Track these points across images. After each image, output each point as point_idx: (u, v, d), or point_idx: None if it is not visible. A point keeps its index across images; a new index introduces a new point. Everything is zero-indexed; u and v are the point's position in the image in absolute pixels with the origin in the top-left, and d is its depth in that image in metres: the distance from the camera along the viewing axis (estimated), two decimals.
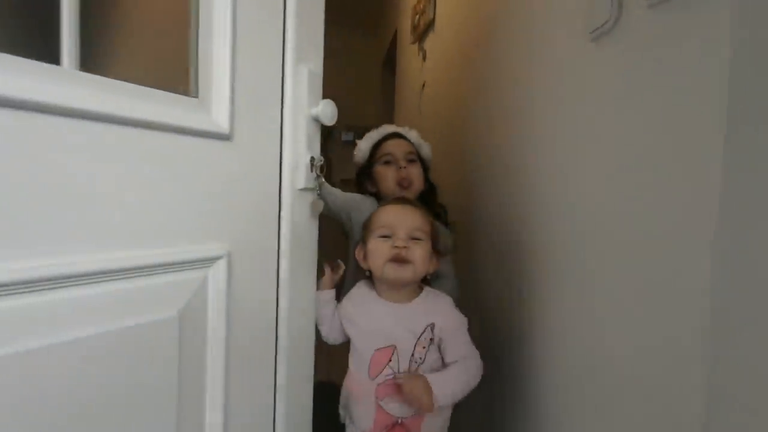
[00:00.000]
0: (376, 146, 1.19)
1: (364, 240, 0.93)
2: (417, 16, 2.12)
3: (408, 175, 1.12)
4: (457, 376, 0.85)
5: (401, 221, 0.87)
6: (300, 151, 0.80)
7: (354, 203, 1.15)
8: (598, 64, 0.70)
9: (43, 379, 0.48)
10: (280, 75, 0.78)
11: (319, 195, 0.84)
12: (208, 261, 0.66)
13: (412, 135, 1.22)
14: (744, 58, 0.48)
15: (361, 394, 0.88)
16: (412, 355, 0.86)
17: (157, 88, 0.60)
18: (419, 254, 0.86)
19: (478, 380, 0.88)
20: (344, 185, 1.27)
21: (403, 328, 0.87)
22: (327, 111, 0.81)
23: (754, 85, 0.48)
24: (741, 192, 0.49)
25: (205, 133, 0.65)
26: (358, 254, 0.93)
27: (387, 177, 1.13)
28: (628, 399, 0.65)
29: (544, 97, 0.92)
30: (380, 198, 1.16)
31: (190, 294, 0.64)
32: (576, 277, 0.81)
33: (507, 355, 1.07)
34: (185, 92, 0.65)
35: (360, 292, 0.94)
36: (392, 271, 0.86)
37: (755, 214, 0.48)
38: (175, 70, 0.69)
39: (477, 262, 1.31)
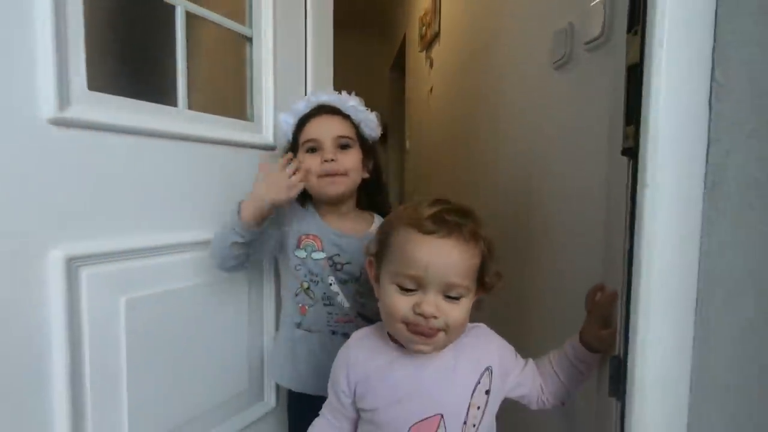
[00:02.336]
0: (302, 122, 0.87)
1: (378, 252, 0.61)
2: (424, 28, 2.37)
3: (337, 166, 0.83)
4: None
5: (437, 265, 0.55)
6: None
7: (275, 232, 0.85)
8: (557, 83, 0.98)
9: (174, 307, 0.77)
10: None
11: None
12: None
13: (349, 102, 0.89)
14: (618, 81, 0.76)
15: None
16: (465, 422, 0.60)
17: (229, 117, 0.89)
18: (456, 318, 0.56)
19: None
20: None
21: (452, 385, 0.61)
22: None
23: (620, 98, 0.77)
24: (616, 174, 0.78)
25: (259, 146, 0.94)
26: (370, 272, 0.64)
27: (310, 169, 0.83)
28: None
29: (521, 104, 1.19)
30: (301, 200, 0.87)
31: None
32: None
33: None
34: (245, 118, 0.94)
35: (371, 346, 0.64)
36: (407, 341, 0.58)
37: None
38: (239, 103, 0.97)
39: None
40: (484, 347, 0.63)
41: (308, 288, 0.84)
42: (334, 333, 0.84)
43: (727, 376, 0.47)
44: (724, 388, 0.47)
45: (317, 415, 0.68)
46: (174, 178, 0.78)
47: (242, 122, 0.93)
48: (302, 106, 0.88)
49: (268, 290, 0.97)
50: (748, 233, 0.45)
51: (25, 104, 0.58)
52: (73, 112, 0.62)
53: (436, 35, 2.13)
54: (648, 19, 0.43)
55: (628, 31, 0.49)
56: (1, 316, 0.57)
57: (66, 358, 0.62)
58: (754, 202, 0.44)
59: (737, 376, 0.46)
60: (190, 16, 0.82)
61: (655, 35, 0.43)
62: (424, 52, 2.41)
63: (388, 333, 0.62)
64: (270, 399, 1.00)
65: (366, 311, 0.86)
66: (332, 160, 0.83)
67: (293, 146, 0.88)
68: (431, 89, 2.27)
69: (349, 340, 0.66)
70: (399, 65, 3.57)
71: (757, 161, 0.44)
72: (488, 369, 0.61)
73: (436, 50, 2.18)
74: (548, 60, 0.96)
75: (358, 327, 0.71)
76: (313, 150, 0.85)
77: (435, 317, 0.54)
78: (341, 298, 0.85)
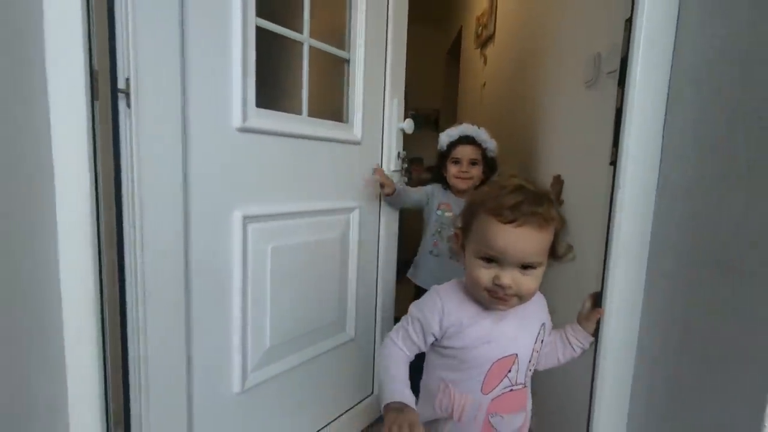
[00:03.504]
0: (453, 145, 1.51)
1: (464, 228, 0.74)
2: (480, 28, 2.59)
3: (468, 175, 1.48)
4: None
5: (514, 250, 0.65)
6: (392, 148, 1.39)
7: (425, 195, 1.53)
8: (587, 100, 1.21)
9: (300, 255, 1.12)
10: (382, 105, 1.36)
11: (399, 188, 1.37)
12: (351, 209, 1.28)
13: (481, 135, 1.51)
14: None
15: (466, 412, 0.74)
16: (529, 361, 0.76)
17: (333, 120, 1.21)
18: (529, 286, 0.68)
19: None
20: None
21: (524, 332, 0.75)
22: (408, 125, 1.40)
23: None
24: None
25: (351, 142, 1.25)
26: (456, 243, 0.76)
27: (452, 173, 1.49)
28: None
29: (558, 113, 1.43)
30: (446, 183, 1.53)
31: (344, 225, 1.26)
32: None
33: None
34: (342, 120, 1.26)
35: (459, 298, 0.75)
36: (488, 302, 0.71)
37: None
38: (338, 108, 1.29)
39: None
40: (542, 309, 0.79)
41: (440, 231, 1.49)
42: (450, 258, 1.46)
43: (665, 313, 0.74)
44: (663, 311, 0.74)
45: None
46: (302, 165, 1.12)
47: (340, 124, 1.25)
48: (454, 133, 1.53)
49: (353, 257, 1.31)
50: (681, 215, 0.70)
51: (225, 118, 0.93)
52: (249, 123, 0.96)
53: (491, 36, 2.33)
54: (625, 87, 0.69)
55: (618, 85, 0.74)
56: (210, 249, 0.93)
57: (240, 277, 0.98)
58: (684, 198, 0.70)
59: (672, 311, 0.73)
60: (311, 49, 1.14)
61: (628, 99, 0.69)
62: (479, 49, 2.62)
63: (465, 287, 0.76)
64: (350, 331, 1.34)
65: None
66: (465, 171, 1.49)
67: (443, 154, 1.53)
68: (484, 84, 2.49)
69: (438, 291, 0.76)
70: (454, 53, 3.77)
71: (687, 175, 0.69)
72: (543, 324, 0.77)
73: (490, 49, 2.39)
74: (582, 79, 1.20)
75: None
76: (456, 162, 1.50)
77: (511, 287, 0.66)
78: None
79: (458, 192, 1.51)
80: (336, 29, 1.27)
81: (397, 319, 1.53)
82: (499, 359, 0.72)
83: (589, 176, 1.10)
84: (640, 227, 0.72)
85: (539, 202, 0.65)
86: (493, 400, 0.74)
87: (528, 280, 0.67)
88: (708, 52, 0.65)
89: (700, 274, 0.65)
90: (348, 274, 1.31)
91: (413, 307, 0.78)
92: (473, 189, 1.46)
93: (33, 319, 0.66)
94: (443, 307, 0.73)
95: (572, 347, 0.80)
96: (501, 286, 0.66)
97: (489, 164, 1.53)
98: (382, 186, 1.33)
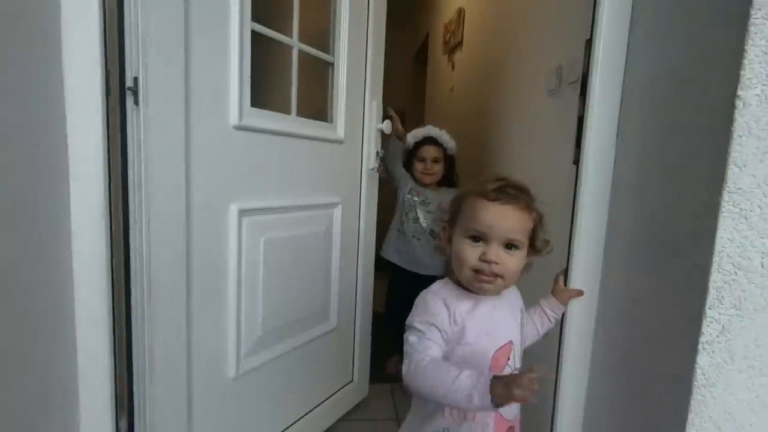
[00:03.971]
0: (418, 144, 1.81)
1: (451, 218, 0.77)
2: (448, 35, 2.71)
3: (432, 171, 1.78)
4: None
5: (499, 224, 0.70)
6: (372, 147, 1.48)
7: (403, 177, 1.79)
8: (549, 107, 1.35)
9: (289, 247, 1.18)
10: (362, 107, 1.45)
11: (379, 168, 1.51)
12: (335, 204, 1.35)
13: (443, 137, 1.82)
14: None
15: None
16: (521, 344, 0.80)
17: (318, 120, 1.28)
18: (512, 266, 0.71)
19: None
20: None
21: (513, 319, 0.79)
22: (387, 126, 1.49)
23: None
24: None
25: (335, 141, 1.33)
26: (443, 236, 0.79)
27: (418, 169, 1.79)
28: None
29: (521, 118, 1.57)
30: (414, 177, 1.80)
31: (328, 219, 1.33)
32: None
33: None
34: (326, 120, 1.33)
35: (454, 293, 0.75)
36: (475, 285, 0.72)
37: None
38: (323, 109, 1.36)
39: None
40: (518, 296, 0.83)
41: (407, 212, 1.79)
42: (414, 237, 1.77)
43: (620, 289, 0.87)
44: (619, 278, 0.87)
45: (401, 275, 1.69)
46: (291, 162, 1.18)
47: (325, 124, 1.32)
48: (420, 134, 1.84)
49: (336, 250, 1.38)
50: (631, 207, 0.84)
51: (223, 116, 0.98)
52: (244, 121, 1.01)
53: (459, 44, 2.46)
54: (586, 98, 0.82)
55: (580, 95, 0.87)
56: (209, 240, 0.98)
57: (236, 268, 1.03)
58: (633, 192, 0.84)
59: (627, 291, 0.86)
60: (300, 53, 1.20)
61: (589, 108, 0.82)
62: (447, 55, 2.75)
63: (459, 285, 0.76)
64: (333, 320, 1.42)
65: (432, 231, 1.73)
66: (429, 168, 1.78)
67: (410, 153, 1.82)
68: (452, 88, 2.62)
69: (431, 290, 0.76)
70: (420, 58, 3.91)
71: (636, 173, 0.83)
72: (521, 309, 0.82)
73: (458, 56, 2.52)
74: (545, 87, 1.34)
75: (427, 238, 1.73)
76: (421, 160, 1.79)
77: (497, 263, 0.69)
78: (422, 221, 1.77)
79: (423, 184, 1.81)
80: (321, 34, 1.34)
81: (375, 312, 1.62)
82: (498, 349, 0.74)
83: (551, 173, 1.24)
84: (598, 217, 0.85)
85: (521, 190, 0.73)
86: None
87: (512, 260, 0.70)
88: (652, 71, 0.79)
89: (647, 256, 0.79)
90: (331, 266, 1.38)
91: (415, 322, 0.72)
92: (435, 182, 1.82)
93: (47, 303, 0.69)
94: (445, 300, 0.72)
95: (548, 318, 0.89)
96: (487, 262, 0.69)
97: (449, 161, 1.83)
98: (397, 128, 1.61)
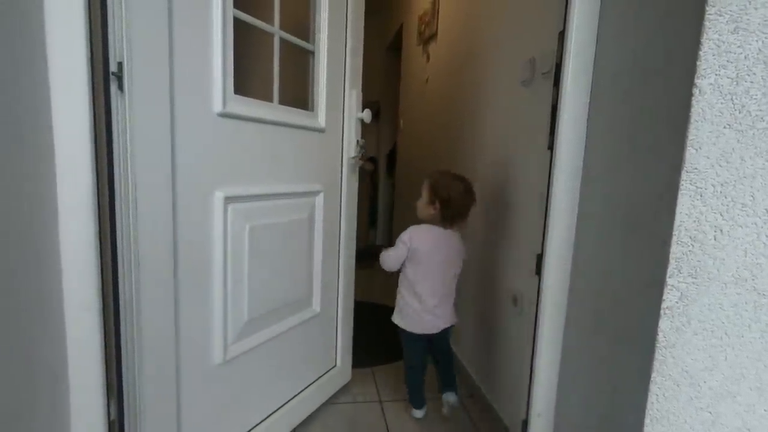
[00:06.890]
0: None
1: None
2: (423, 26, 2.74)
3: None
4: None
5: None
6: (352, 136, 1.50)
7: None
8: (523, 96, 1.41)
9: (273, 234, 1.19)
10: (342, 96, 1.46)
11: (361, 159, 1.54)
12: (317, 192, 1.37)
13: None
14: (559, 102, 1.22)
15: None
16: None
17: (299, 108, 1.29)
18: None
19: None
20: None
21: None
22: (366, 115, 1.52)
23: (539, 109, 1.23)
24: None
25: (316, 129, 1.34)
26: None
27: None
28: None
29: (496, 108, 1.63)
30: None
31: (311, 207, 1.35)
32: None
33: None
34: (307, 108, 1.34)
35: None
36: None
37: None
38: (304, 98, 1.36)
39: None
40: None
41: None
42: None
43: (590, 271, 0.94)
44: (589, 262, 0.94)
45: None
46: (274, 149, 1.19)
47: (306, 112, 1.33)
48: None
49: (319, 237, 1.40)
50: (600, 187, 0.90)
51: (207, 103, 0.98)
52: (228, 108, 1.02)
53: (434, 35, 2.50)
54: (559, 87, 0.87)
55: (554, 85, 0.92)
56: (195, 227, 0.98)
57: (221, 255, 1.04)
58: (602, 173, 0.90)
59: (599, 270, 0.93)
60: (281, 42, 1.21)
61: (562, 97, 0.87)
62: (422, 46, 2.78)
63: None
64: (316, 307, 1.44)
65: None
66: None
67: None
68: (427, 79, 2.66)
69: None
70: (393, 49, 3.92)
71: (605, 156, 0.89)
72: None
73: (433, 47, 2.56)
74: (518, 78, 1.40)
75: None
76: None
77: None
78: None
79: None
80: (300, 22, 1.34)
81: (356, 301, 1.66)
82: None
83: (525, 157, 1.31)
84: (571, 197, 0.91)
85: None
86: None
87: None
88: (619, 63, 0.85)
89: (615, 232, 0.85)
90: (314, 253, 1.40)
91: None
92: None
93: (36, 289, 0.69)
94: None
95: None
96: None
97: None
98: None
